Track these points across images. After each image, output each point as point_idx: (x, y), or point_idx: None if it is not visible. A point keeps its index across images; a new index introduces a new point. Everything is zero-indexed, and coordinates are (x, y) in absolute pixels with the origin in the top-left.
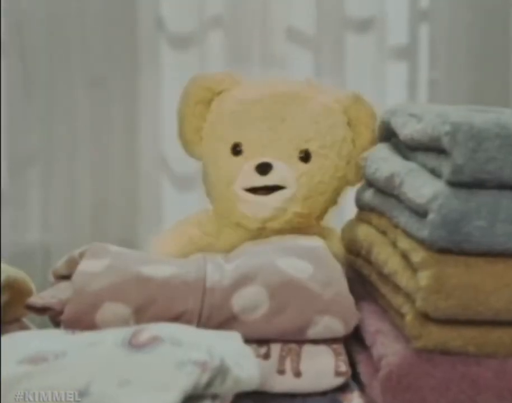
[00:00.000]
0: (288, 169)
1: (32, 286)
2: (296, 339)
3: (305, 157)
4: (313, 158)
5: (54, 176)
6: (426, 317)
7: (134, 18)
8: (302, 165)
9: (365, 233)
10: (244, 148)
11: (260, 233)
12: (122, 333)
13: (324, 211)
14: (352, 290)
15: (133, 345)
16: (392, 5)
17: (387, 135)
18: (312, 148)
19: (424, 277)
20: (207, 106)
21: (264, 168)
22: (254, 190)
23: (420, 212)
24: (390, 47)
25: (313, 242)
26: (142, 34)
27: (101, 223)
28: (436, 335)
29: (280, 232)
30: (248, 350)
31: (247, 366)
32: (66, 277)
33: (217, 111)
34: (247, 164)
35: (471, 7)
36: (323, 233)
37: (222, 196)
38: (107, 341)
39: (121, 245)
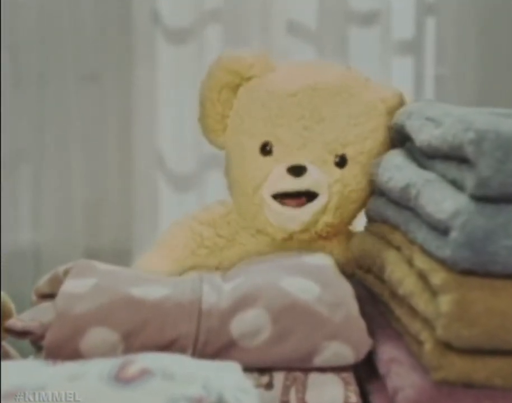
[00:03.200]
0: (321, 174)
1: (12, 307)
2: (301, 367)
3: (341, 161)
4: (350, 164)
5: (45, 174)
6: (447, 346)
7: (129, 11)
8: (337, 171)
9: (377, 247)
10: (275, 148)
11: (285, 243)
12: (109, 365)
13: (353, 218)
14: (363, 311)
15: (120, 379)
16: None
17: (401, 139)
18: (349, 153)
19: (445, 302)
20: (234, 92)
21: (298, 170)
22: (283, 196)
23: (440, 229)
24: (395, 41)
25: (320, 259)
26: (137, 28)
27: (95, 224)
28: (458, 366)
29: (308, 241)
30: (248, 383)
31: (247, 402)
32: (50, 295)
33: (245, 101)
34: (277, 167)
35: (478, 0)
36: (348, 236)
37: (247, 198)
38: (91, 374)
39: (116, 247)
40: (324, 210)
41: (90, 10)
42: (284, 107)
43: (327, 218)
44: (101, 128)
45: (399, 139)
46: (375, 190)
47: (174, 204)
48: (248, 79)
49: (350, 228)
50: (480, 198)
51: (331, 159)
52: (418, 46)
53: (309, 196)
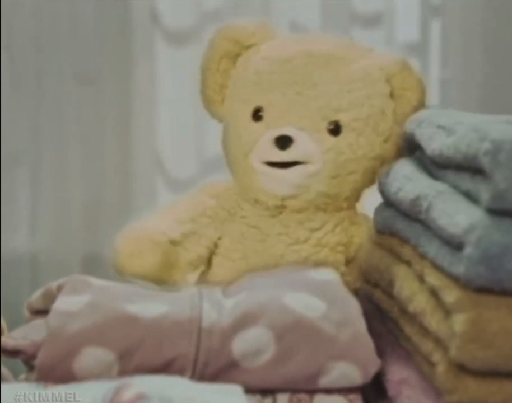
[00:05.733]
0: (312, 143)
1: (3, 323)
2: (306, 388)
3: (335, 129)
4: (344, 132)
5: (43, 177)
6: (461, 368)
7: (128, 11)
8: (330, 139)
9: (385, 261)
10: (266, 113)
11: (281, 211)
12: (102, 390)
13: (354, 193)
14: (370, 328)
15: None
16: None
17: (411, 148)
18: (343, 119)
19: (459, 322)
20: (233, 61)
21: (283, 142)
22: (271, 163)
23: (453, 244)
24: (399, 44)
25: (326, 274)
26: (136, 29)
27: (93, 228)
28: (473, 389)
29: (303, 211)
30: None
31: None
32: (44, 311)
33: (241, 69)
34: (267, 134)
35: (485, 2)
36: (354, 219)
37: (240, 166)
38: (84, 400)
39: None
40: (316, 176)
41: (88, 11)
42: (278, 72)
43: (321, 187)
44: (99, 131)
45: (408, 147)
46: (383, 201)
47: None
48: (248, 47)
49: (358, 206)
50: (496, 212)
51: (324, 125)
52: (423, 48)
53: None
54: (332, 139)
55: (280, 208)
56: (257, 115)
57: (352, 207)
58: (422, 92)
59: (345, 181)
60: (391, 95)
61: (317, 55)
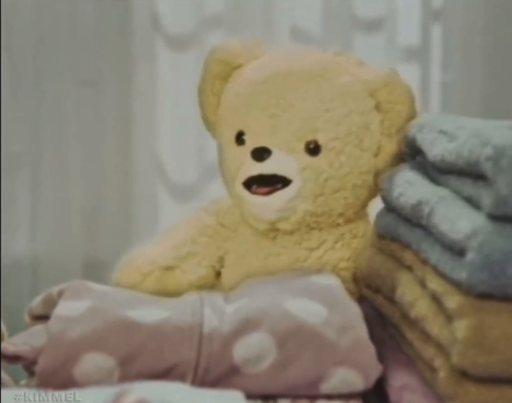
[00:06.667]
0: (290, 160)
1: (4, 329)
2: (307, 394)
3: (314, 149)
4: (323, 151)
5: (42, 180)
6: (463, 374)
7: (129, 15)
8: (307, 158)
9: (387, 266)
10: (247, 137)
11: (275, 234)
12: (103, 396)
13: (350, 208)
14: (372, 333)
15: None
16: (403, 3)
17: (412, 153)
18: (321, 139)
19: (461, 328)
20: (226, 82)
21: (260, 153)
22: (252, 183)
23: (455, 249)
24: (400, 48)
25: (327, 279)
26: (137, 33)
27: (94, 233)
28: (475, 395)
29: (295, 231)
30: None
31: None
32: (44, 317)
33: (227, 92)
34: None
35: (486, 6)
36: (356, 232)
37: (230, 190)
38: None
39: (115, 257)
40: (299, 196)
41: (89, 14)
42: (254, 95)
43: (307, 206)
44: (99, 135)
45: (409, 152)
46: (385, 206)
47: (174, 214)
48: (236, 68)
49: (367, 213)
50: (498, 218)
51: (301, 146)
52: (424, 52)
53: (283, 182)
54: (309, 158)
55: (273, 231)
56: (240, 138)
57: (351, 220)
58: (411, 103)
59: (331, 198)
60: (378, 109)
61: (296, 73)
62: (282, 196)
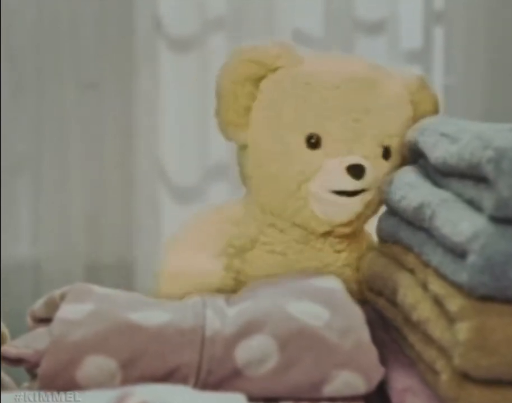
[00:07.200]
0: (374, 171)
1: (6, 332)
2: (310, 397)
3: (385, 154)
4: (393, 156)
5: (44, 184)
6: (465, 377)
7: (131, 18)
8: (384, 164)
9: (389, 269)
10: (324, 141)
11: (317, 239)
12: (105, 399)
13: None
14: (374, 336)
15: None
16: (405, 6)
17: (414, 156)
18: (394, 144)
19: (463, 330)
20: (256, 84)
21: (357, 171)
22: (339, 192)
23: (457, 252)
24: (402, 50)
25: (330, 282)
26: (139, 36)
27: (95, 237)
28: (477, 398)
29: (339, 240)
30: None
31: None
32: (47, 320)
33: (279, 94)
34: (332, 162)
35: (487, 9)
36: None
37: (289, 193)
38: None
39: (117, 260)
40: (370, 202)
41: (90, 16)
42: (330, 99)
43: (370, 213)
44: (101, 137)
45: (411, 155)
46: (386, 209)
47: (176, 217)
48: (274, 70)
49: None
50: (500, 220)
51: (380, 151)
52: (426, 55)
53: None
54: (386, 164)
55: (325, 235)
56: (310, 142)
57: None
58: (437, 108)
59: (381, 203)
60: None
61: (359, 79)
62: (363, 199)
